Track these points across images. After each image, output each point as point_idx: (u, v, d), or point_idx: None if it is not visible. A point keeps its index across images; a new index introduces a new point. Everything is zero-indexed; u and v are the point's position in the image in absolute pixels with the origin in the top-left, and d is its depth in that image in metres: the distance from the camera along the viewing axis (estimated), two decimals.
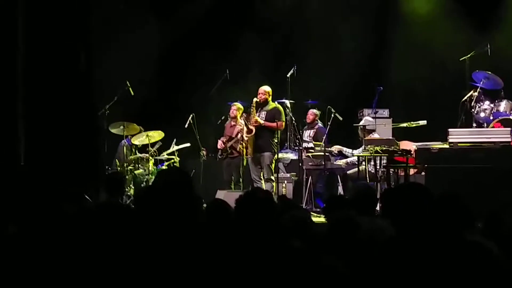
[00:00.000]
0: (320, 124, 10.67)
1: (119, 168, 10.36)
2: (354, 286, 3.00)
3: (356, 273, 3.14)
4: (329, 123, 10.02)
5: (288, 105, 10.20)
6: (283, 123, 9.52)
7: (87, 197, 7.09)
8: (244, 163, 9.87)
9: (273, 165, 9.43)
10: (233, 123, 10.22)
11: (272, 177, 9.36)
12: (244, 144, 9.52)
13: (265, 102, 9.45)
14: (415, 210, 3.14)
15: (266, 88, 9.50)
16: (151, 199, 4.27)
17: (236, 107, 10.19)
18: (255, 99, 9.42)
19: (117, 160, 10.63)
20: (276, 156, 9.45)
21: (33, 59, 9.58)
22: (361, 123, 9.93)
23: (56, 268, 3.36)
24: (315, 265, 3.20)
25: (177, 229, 3.51)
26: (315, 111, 10.80)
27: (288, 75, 10.47)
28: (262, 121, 9.35)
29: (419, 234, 3.12)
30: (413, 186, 3.46)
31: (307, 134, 10.70)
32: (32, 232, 3.71)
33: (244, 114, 10.04)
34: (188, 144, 10.77)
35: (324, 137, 9.89)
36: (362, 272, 3.14)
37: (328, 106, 10.16)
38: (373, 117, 10.34)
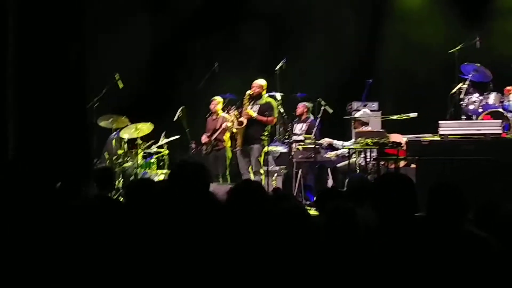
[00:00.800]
0: (312, 117, 10.66)
1: (108, 161, 10.29)
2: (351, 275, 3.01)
3: (358, 262, 3.15)
4: (319, 116, 10.02)
5: (278, 97, 10.18)
6: (274, 119, 9.56)
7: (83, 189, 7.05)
8: (230, 155, 9.93)
9: (262, 158, 9.40)
10: (214, 117, 10.41)
11: (261, 170, 9.33)
12: (233, 135, 9.53)
13: (259, 96, 9.43)
14: (395, 200, 3.15)
15: (260, 82, 9.47)
16: (143, 192, 4.25)
17: (216, 101, 10.45)
18: (248, 92, 9.40)
19: (106, 153, 10.56)
20: (265, 148, 9.43)
21: (23, 52, 9.49)
22: (359, 114, 9.92)
23: (49, 263, 3.33)
24: (312, 256, 3.20)
25: (171, 223, 3.48)
26: (306, 104, 10.78)
27: (277, 68, 10.45)
28: (254, 114, 9.33)
29: (401, 224, 3.13)
30: (390, 176, 3.47)
31: (299, 127, 10.67)
32: (24, 227, 3.67)
33: (233, 106, 10.09)
34: (177, 137, 10.74)
35: (314, 130, 9.89)
36: (363, 261, 3.14)
37: (318, 99, 10.16)
38: (356, 110, 10.37)
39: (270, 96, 9.91)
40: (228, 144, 10.20)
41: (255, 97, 9.40)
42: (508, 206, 3.48)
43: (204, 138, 10.39)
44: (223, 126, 10.03)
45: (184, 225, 3.44)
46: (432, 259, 3.02)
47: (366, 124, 9.86)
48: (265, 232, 3.44)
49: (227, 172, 10.02)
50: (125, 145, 10.54)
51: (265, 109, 9.36)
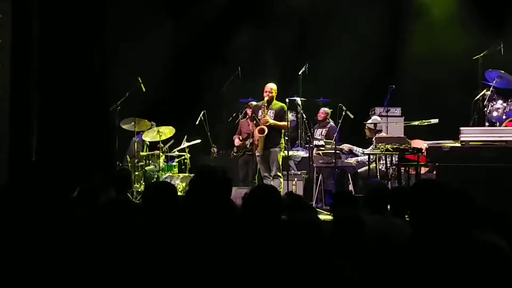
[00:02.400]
0: (332, 122, 10.65)
1: (129, 164, 10.37)
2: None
3: (365, 273, 3.13)
4: (340, 121, 10.00)
5: (300, 102, 10.18)
6: (289, 123, 9.55)
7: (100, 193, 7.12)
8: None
9: (281, 161, 9.39)
10: (250, 121, 10.30)
11: (280, 174, 9.30)
12: (255, 142, 9.53)
13: (271, 100, 9.42)
14: (431, 209, 3.11)
15: (272, 86, 9.46)
16: (161, 196, 4.28)
17: (252, 106, 10.27)
18: (266, 99, 9.38)
19: (128, 156, 10.64)
20: (283, 152, 9.40)
21: (48, 56, 9.64)
22: (370, 121, 9.91)
23: (66, 265, 3.37)
24: (320, 267, 3.20)
25: (186, 227, 3.51)
26: (326, 109, 10.78)
27: (300, 73, 10.46)
28: (272, 121, 9.31)
29: (436, 233, 3.09)
30: (427, 183, 3.41)
31: (319, 132, 10.68)
32: (44, 229, 3.72)
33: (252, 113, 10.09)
34: (199, 141, 10.78)
35: (335, 135, 9.89)
36: (371, 272, 3.12)
37: (340, 104, 10.13)
38: (384, 116, 10.34)
39: (290, 100, 9.91)
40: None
41: (268, 102, 9.39)
42: None
43: (237, 141, 10.31)
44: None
45: (198, 230, 3.46)
46: (445, 269, 3.00)
47: (379, 131, 9.83)
48: (276, 240, 3.46)
49: (256, 177, 9.98)
50: (147, 149, 10.63)
51: (280, 114, 9.35)
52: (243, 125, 10.47)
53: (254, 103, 10.30)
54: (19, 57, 9.40)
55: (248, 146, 10.08)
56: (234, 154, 10.35)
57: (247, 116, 10.42)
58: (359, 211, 4.42)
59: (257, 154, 9.46)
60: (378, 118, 10.03)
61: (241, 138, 10.27)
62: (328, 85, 11.46)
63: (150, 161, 10.52)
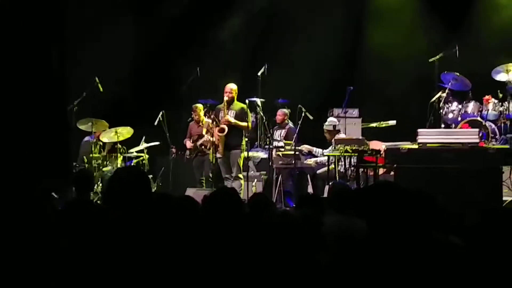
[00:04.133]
0: (290, 124, 10.69)
1: (87, 165, 10.24)
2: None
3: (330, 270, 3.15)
4: (299, 122, 10.04)
5: (259, 103, 10.20)
6: (251, 124, 9.58)
7: (54, 194, 7.01)
8: (213, 160, 9.95)
9: (241, 163, 9.42)
10: (198, 123, 10.53)
11: (241, 175, 9.35)
12: (215, 142, 9.53)
13: (232, 100, 9.44)
14: (388, 210, 3.14)
15: (232, 86, 9.49)
16: (117, 195, 4.22)
17: (198, 110, 10.56)
18: (225, 99, 9.40)
19: (84, 157, 10.50)
20: (244, 154, 9.44)
21: (3, 54, 9.44)
22: (326, 124, 9.97)
23: (27, 268, 3.30)
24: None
25: (149, 226, 3.47)
26: (285, 110, 10.82)
27: (259, 74, 10.47)
28: (233, 120, 9.33)
29: (392, 234, 3.12)
30: (386, 185, 3.45)
31: (278, 133, 10.72)
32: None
33: (212, 111, 10.13)
34: (157, 143, 10.71)
35: (294, 136, 9.92)
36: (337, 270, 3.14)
37: (299, 105, 10.17)
38: (342, 117, 10.41)
39: (250, 101, 9.93)
40: (211, 150, 10.21)
41: (229, 102, 9.41)
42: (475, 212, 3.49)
43: (188, 144, 10.40)
44: (205, 138, 10.10)
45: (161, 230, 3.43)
46: (403, 268, 3.03)
47: (338, 131, 9.90)
48: (243, 240, 3.45)
49: (210, 178, 10.02)
50: (101, 149, 10.51)
51: (241, 115, 9.37)
52: (192, 127, 10.61)
53: (199, 105, 10.43)
54: None
55: (199, 147, 10.16)
56: (187, 157, 10.44)
57: (194, 119, 10.58)
58: (323, 212, 4.45)
59: (218, 155, 9.46)
60: (335, 120, 10.11)
61: (192, 140, 10.35)
62: (287, 86, 11.49)
63: (108, 162, 10.40)
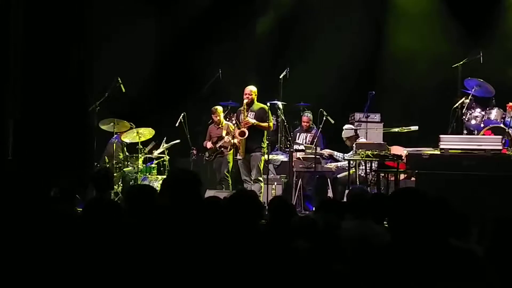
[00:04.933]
0: (315, 128, 10.64)
1: (108, 165, 10.29)
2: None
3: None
4: (320, 126, 10.02)
5: (280, 106, 10.18)
6: (272, 124, 9.55)
7: (77, 196, 7.04)
8: (231, 162, 10.01)
9: (262, 166, 9.40)
10: (218, 125, 10.53)
11: (261, 178, 9.33)
12: (236, 145, 9.56)
13: (252, 102, 9.45)
14: (410, 216, 3.11)
15: (252, 88, 9.49)
16: (143, 197, 4.25)
17: (217, 112, 10.52)
18: (245, 101, 9.40)
19: (106, 157, 10.56)
20: (265, 156, 9.43)
21: (27, 54, 9.53)
22: (344, 133, 9.93)
23: (49, 267, 3.31)
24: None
25: (172, 226, 3.48)
26: (310, 115, 10.75)
27: (280, 77, 10.45)
28: (253, 121, 9.32)
29: (414, 241, 3.09)
30: (409, 192, 3.41)
31: (303, 137, 10.65)
32: (19, 230, 3.65)
33: (233, 113, 10.14)
34: (178, 141, 10.74)
35: (319, 141, 9.92)
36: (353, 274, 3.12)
37: (320, 109, 10.15)
38: (364, 121, 10.38)
39: (271, 104, 9.93)
40: (230, 151, 10.26)
41: (249, 104, 9.41)
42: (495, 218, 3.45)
43: (209, 144, 10.41)
44: (226, 140, 10.13)
45: (182, 232, 3.44)
46: (420, 276, 3.00)
47: (358, 136, 9.87)
48: (262, 243, 3.45)
49: (229, 179, 10.04)
50: (125, 150, 10.57)
51: (261, 115, 9.37)
52: (212, 129, 10.62)
53: (218, 107, 10.44)
54: None
55: (218, 149, 10.18)
56: (206, 158, 10.44)
57: (214, 121, 10.58)
58: (343, 217, 4.43)
59: (238, 157, 9.46)
60: (350, 126, 10.08)
61: (212, 142, 10.38)
62: (309, 90, 11.47)
63: (129, 163, 10.45)
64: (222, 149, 10.32)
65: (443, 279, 2.96)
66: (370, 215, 4.67)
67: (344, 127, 10.12)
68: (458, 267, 2.99)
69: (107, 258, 3.30)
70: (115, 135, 10.50)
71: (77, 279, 3.20)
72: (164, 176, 10.25)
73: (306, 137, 10.63)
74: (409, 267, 2.99)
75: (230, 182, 10.15)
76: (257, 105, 9.46)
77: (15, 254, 3.33)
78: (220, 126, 10.51)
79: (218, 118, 10.54)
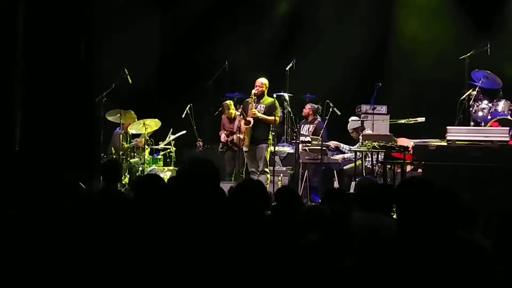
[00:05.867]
0: (319, 119, 10.64)
1: (114, 156, 10.30)
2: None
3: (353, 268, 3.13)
4: (327, 117, 10.02)
5: (287, 98, 10.17)
6: (278, 119, 9.55)
7: (81, 184, 7.06)
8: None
9: (268, 157, 9.41)
10: (230, 117, 10.45)
11: (267, 169, 9.35)
12: (242, 135, 9.54)
13: (262, 95, 9.45)
14: (418, 206, 3.10)
15: (263, 80, 9.49)
16: (151, 188, 4.25)
17: (227, 106, 10.46)
18: (253, 91, 9.41)
19: (112, 148, 10.57)
20: (271, 148, 9.44)
21: (35, 46, 9.54)
22: (350, 125, 9.93)
23: (56, 257, 3.32)
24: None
25: (176, 219, 3.49)
26: (313, 105, 10.75)
27: (287, 68, 10.46)
28: (259, 114, 9.34)
29: (423, 232, 3.08)
30: (414, 181, 3.39)
31: (306, 128, 10.67)
32: (32, 219, 3.67)
33: (239, 105, 10.11)
34: (184, 132, 10.74)
35: (322, 131, 9.89)
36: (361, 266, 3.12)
37: (327, 101, 10.14)
38: (370, 113, 10.38)
39: (278, 96, 9.92)
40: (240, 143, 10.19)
41: (259, 96, 9.42)
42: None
43: (223, 137, 10.33)
44: (234, 138, 10.07)
45: (188, 222, 3.44)
46: (428, 267, 3.00)
47: (363, 128, 9.88)
48: (261, 235, 3.46)
49: (243, 171, 10.00)
50: (130, 140, 10.57)
51: (270, 109, 9.37)
52: (224, 120, 10.54)
53: (228, 102, 10.40)
54: (3, 48, 9.30)
55: (229, 143, 10.13)
56: (220, 149, 10.40)
57: (224, 112, 10.51)
58: (350, 207, 4.42)
59: (244, 149, 9.47)
60: (356, 118, 10.09)
61: (227, 134, 10.34)
62: (315, 81, 11.46)
63: (135, 154, 10.46)
64: (233, 143, 10.23)
65: (453, 271, 2.96)
66: (378, 207, 4.66)
67: (350, 119, 10.12)
68: (467, 259, 3.00)
69: (115, 249, 3.30)
70: (120, 126, 10.51)
71: (80, 273, 3.21)
72: (171, 168, 10.26)
73: (309, 128, 10.62)
74: (418, 258, 2.99)
75: (243, 176, 10.01)
76: (267, 99, 9.48)
77: (20, 248, 3.34)
78: (233, 119, 10.41)
79: (228, 113, 10.48)
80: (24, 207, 3.99)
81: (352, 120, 10.04)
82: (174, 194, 3.77)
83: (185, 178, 3.66)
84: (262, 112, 9.38)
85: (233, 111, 10.48)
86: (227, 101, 10.59)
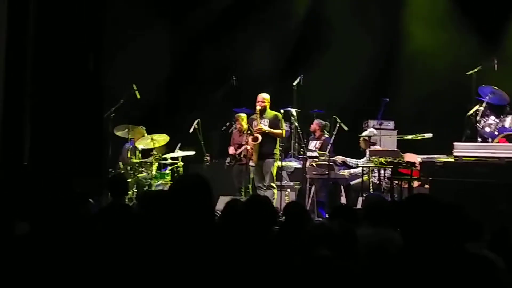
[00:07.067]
0: (326, 135, 10.64)
1: (122, 171, 10.34)
2: None
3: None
4: (334, 132, 10.04)
5: (294, 113, 10.21)
6: (284, 131, 9.59)
7: (91, 200, 7.09)
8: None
9: (275, 172, 9.43)
10: (240, 131, 10.38)
11: (273, 184, 9.37)
12: (249, 151, 9.57)
13: (264, 109, 9.51)
14: (424, 222, 3.11)
15: (265, 96, 9.56)
16: (158, 202, 4.27)
17: (241, 119, 10.33)
18: (258, 107, 9.46)
19: (120, 163, 10.61)
20: (277, 163, 9.46)
21: (42, 59, 9.60)
22: (366, 133, 9.95)
23: (63, 270, 3.34)
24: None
25: (184, 232, 3.50)
26: (321, 121, 10.76)
27: (294, 84, 10.50)
28: (266, 128, 9.37)
29: (427, 247, 3.09)
30: (421, 198, 3.41)
31: (313, 144, 10.68)
32: (40, 233, 3.69)
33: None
34: (192, 153, 10.74)
35: (329, 147, 9.91)
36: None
37: (334, 116, 10.17)
38: (377, 128, 10.39)
39: (285, 111, 9.97)
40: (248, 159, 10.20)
41: (262, 111, 9.47)
42: None
43: (231, 150, 10.32)
44: (243, 148, 10.05)
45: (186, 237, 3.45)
46: (436, 282, 3.00)
47: (374, 143, 9.89)
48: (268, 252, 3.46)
49: (250, 187, 9.99)
50: (140, 155, 10.60)
51: (274, 123, 9.41)
52: (235, 135, 10.54)
53: (242, 115, 10.38)
54: (13, 60, 9.35)
55: (237, 157, 10.11)
56: (227, 163, 10.39)
57: (236, 128, 10.46)
58: (359, 224, 4.43)
59: (251, 164, 9.49)
60: (374, 131, 10.09)
61: (235, 148, 10.32)
62: (322, 97, 11.49)
63: (143, 168, 10.49)
64: (242, 157, 10.21)
65: (457, 285, 2.96)
66: (387, 223, 4.66)
67: (369, 129, 10.14)
68: (475, 274, 3.00)
69: (122, 263, 3.32)
70: (129, 141, 10.55)
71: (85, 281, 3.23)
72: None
73: (316, 144, 10.64)
74: (424, 273, 3.00)
75: (250, 191, 9.98)
76: (270, 113, 9.53)
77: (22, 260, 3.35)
78: (243, 133, 10.36)
79: (240, 125, 10.43)
80: (35, 220, 4.01)
81: (369, 131, 10.05)
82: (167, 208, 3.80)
83: (173, 192, 3.69)
84: (266, 126, 9.42)
85: (245, 124, 10.41)
86: (241, 114, 10.52)
